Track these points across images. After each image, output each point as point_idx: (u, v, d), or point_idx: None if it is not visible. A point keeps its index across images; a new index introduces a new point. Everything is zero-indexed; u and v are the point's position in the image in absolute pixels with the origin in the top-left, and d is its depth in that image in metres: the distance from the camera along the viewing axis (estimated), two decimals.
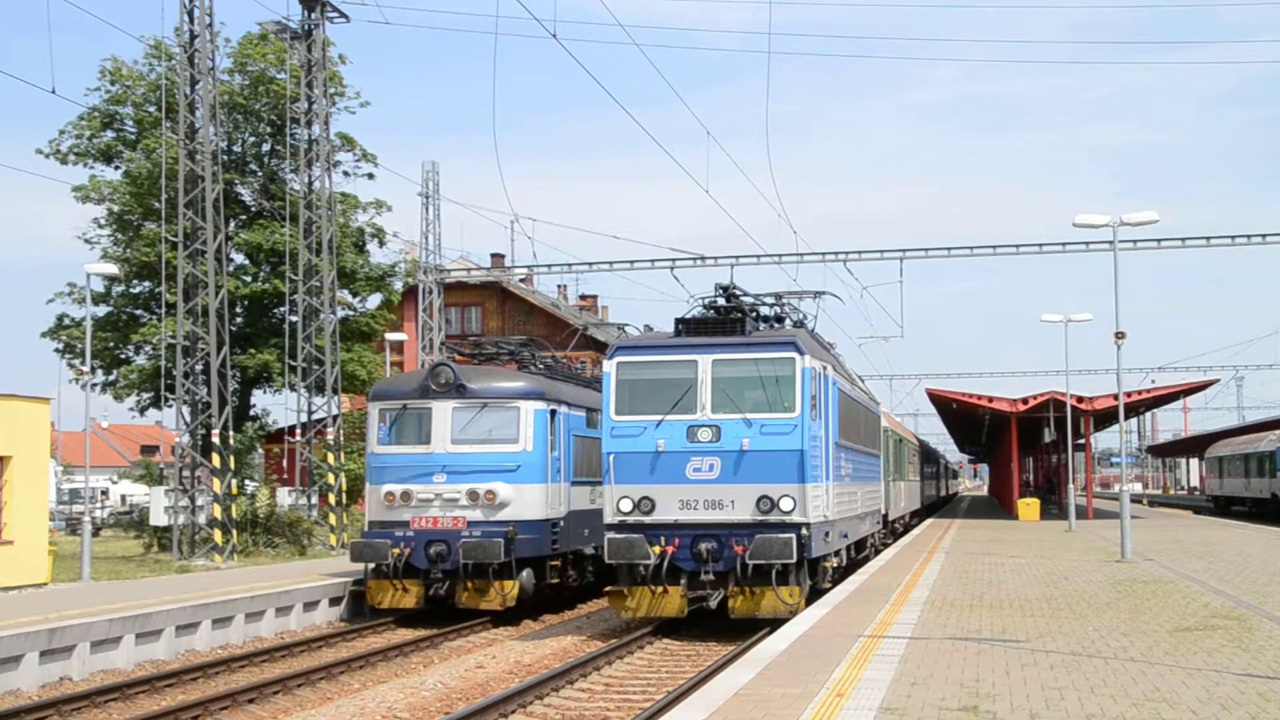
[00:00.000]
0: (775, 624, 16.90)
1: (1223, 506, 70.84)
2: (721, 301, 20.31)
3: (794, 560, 17.91)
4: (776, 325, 21.38)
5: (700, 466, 18.45)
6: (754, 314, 20.76)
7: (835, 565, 21.27)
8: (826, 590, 19.72)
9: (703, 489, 18.45)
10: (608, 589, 19.75)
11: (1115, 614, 16.43)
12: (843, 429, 22.03)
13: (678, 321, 19.90)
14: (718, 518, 18.40)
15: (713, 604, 18.60)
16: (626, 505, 18.58)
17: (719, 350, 18.89)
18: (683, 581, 18.47)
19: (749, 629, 18.46)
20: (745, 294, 21.09)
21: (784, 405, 18.55)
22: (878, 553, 29.20)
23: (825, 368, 20.13)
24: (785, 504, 18.18)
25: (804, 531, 18.18)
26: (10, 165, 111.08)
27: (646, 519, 18.52)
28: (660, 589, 18.32)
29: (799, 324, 22.43)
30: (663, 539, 18.29)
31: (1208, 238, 39.78)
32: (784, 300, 22.35)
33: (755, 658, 12.94)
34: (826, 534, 19.61)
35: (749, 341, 19.18)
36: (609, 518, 18.81)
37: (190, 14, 31.84)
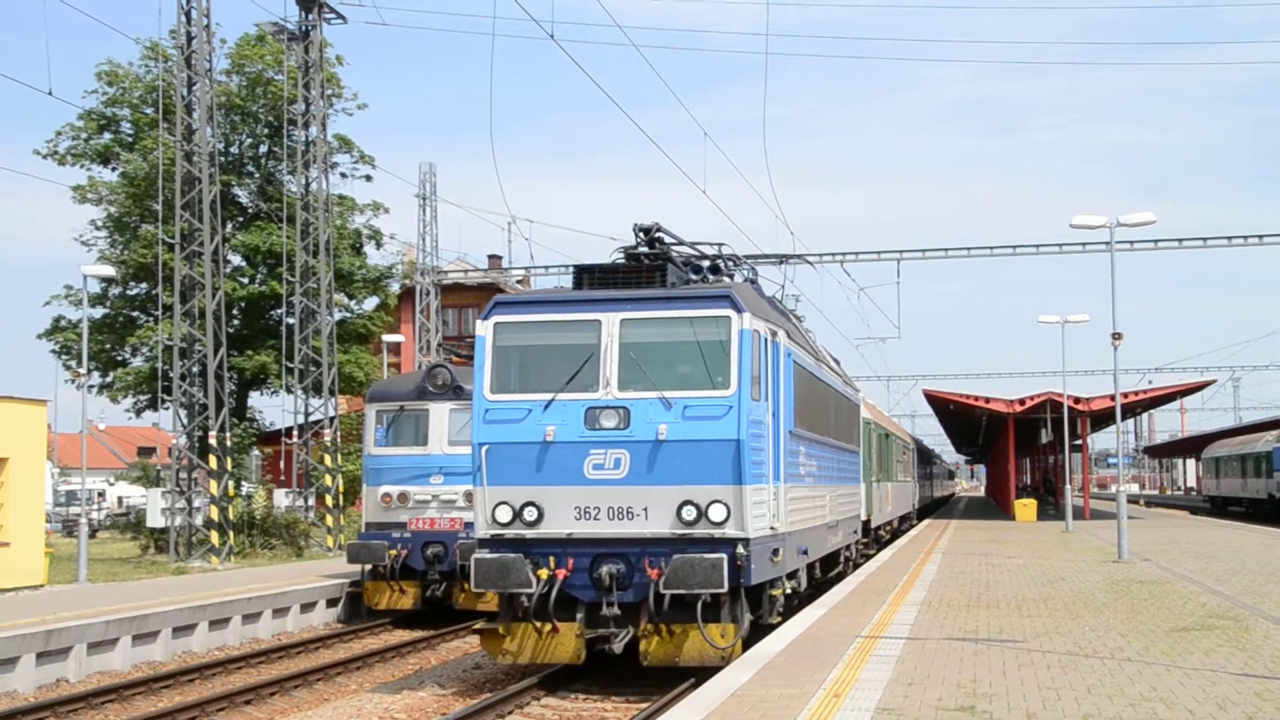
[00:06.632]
0: (702, 673, 13.39)
1: (1219, 507, 71.06)
2: (644, 249, 15.79)
3: (725, 589, 13.66)
4: (714, 279, 16.42)
5: (603, 462, 14.12)
6: (688, 266, 16.28)
7: (791, 590, 16.84)
8: (775, 625, 15.39)
9: (606, 492, 14.07)
10: (478, 626, 15.34)
11: (1112, 614, 16.38)
12: (801, 414, 17.43)
13: (578, 270, 15.65)
14: (626, 531, 14.04)
15: (617, 647, 14.18)
16: (504, 514, 14.20)
17: (630, 307, 14.46)
18: (579, 616, 14.17)
19: (669, 678, 14.53)
20: (679, 241, 16.50)
21: (715, 380, 14.15)
22: (856, 568, 25.23)
23: (775, 333, 15.52)
24: (716, 512, 13.87)
25: (740, 549, 13.83)
26: (8, 167, 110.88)
27: (530, 532, 14.15)
28: (548, 626, 14.06)
29: (751, 281, 18.41)
30: (552, 560, 14.03)
31: (1204, 238, 39.93)
32: (726, 250, 17.80)
33: (752, 658, 12.79)
34: (774, 552, 15.17)
35: (670, 295, 14.65)
36: (480, 530, 14.45)
37: (187, 15, 32.00)
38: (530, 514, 14.17)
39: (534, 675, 15.04)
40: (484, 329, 14.76)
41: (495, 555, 14.09)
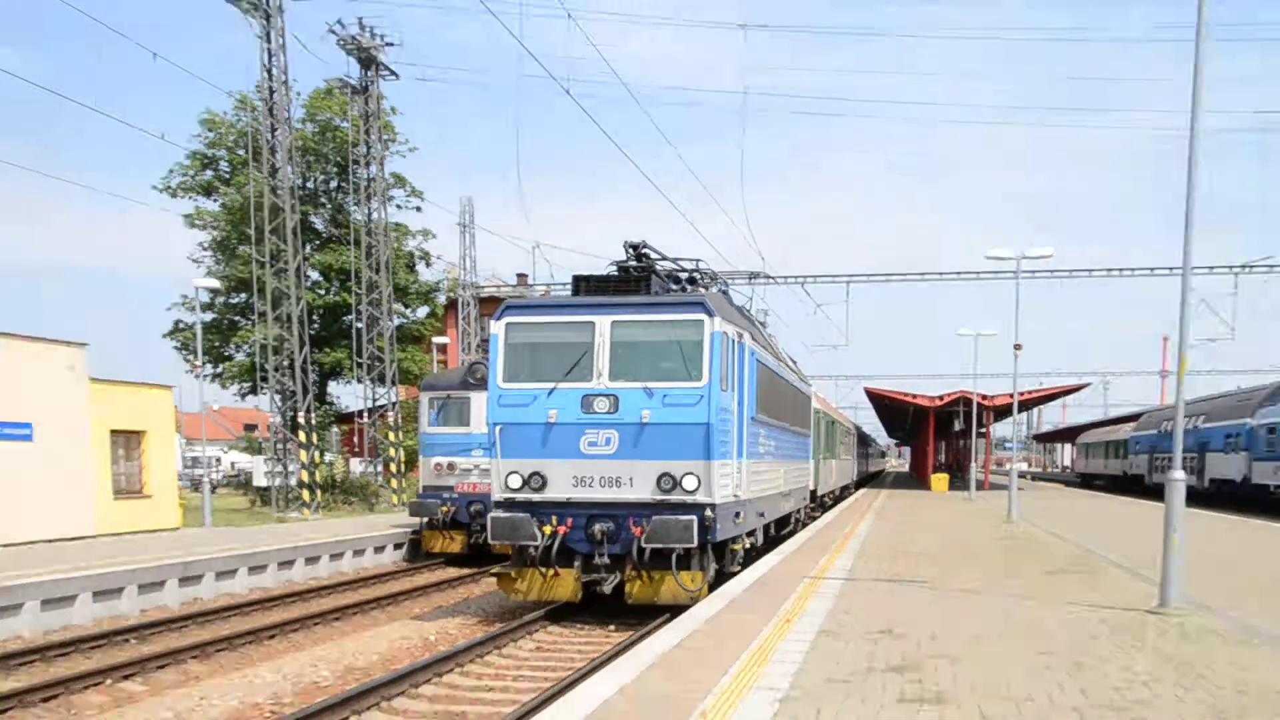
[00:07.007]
0: (676, 610, 13.30)
1: (1087, 481, 71.60)
2: (633, 263, 15.16)
3: (696, 544, 13.46)
4: (691, 289, 15.90)
5: (596, 440, 13.66)
6: (671, 278, 15.70)
7: (749, 546, 16.36)
8: (736, 573, 15.01)
9: (598, 464, 13.68)
10: (495, 570, 15.21)
11: (999, 561, 16.56)
12: (762, 403, 16.76)
13: (576, 279, 14.79)
14: (614, 496, 13.70)
15: (607, 588, 14.00)
16: (515, 481, 13.87)
17: (619, 310, 13.88)
18: (576, 564, 14.01)
19: (649, 614, 14.39)
20: (663, 256, 15.72)
21: (690, 373, 13.57)
22: (804, 526, 24.76)
23: (741, 335, 14.93)
24: (689, 482, 13.53)
25: (708, 513, 13.56)
26: (131, 198, 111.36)
27: (536, 496, 13.84)
28: (551, 572, 13.99)
29: (723, 292, 17.46)
30: (554, 519, 13.81)
31: (1090, 270, 41.45)
32: (701, 266, 16.76)
33: (725, 593, 12.74)
34: (736, 514, 14.79)
35: (653, 302, 14.07)
36: (496, 494, 14.09)
37: (269, 72, 31.80)
38: (536, 482, 13.84)
39: (542, 609, 14.96)
40: (497, 328, 14.25)
41: (508, 515, 13.86)
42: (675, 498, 13.57)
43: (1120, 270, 41.38)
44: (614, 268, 15.24)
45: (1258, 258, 42.34)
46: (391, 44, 37.15)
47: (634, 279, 14.55)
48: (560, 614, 15.15)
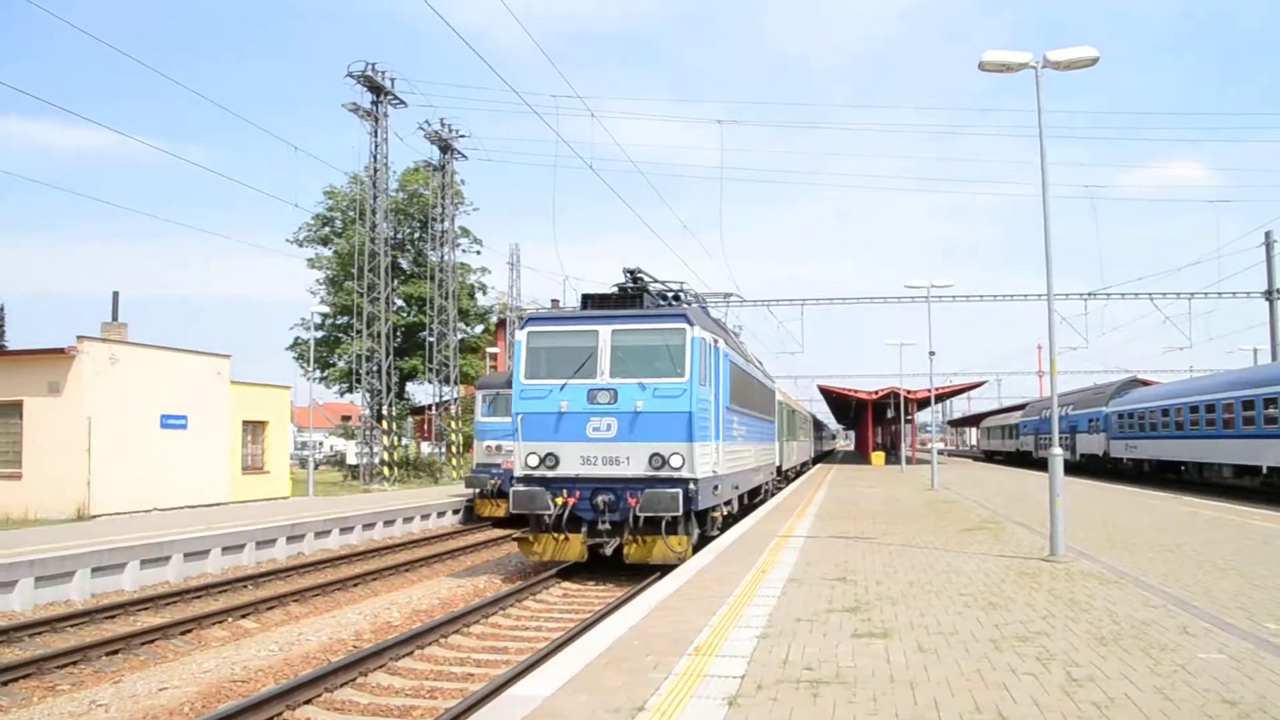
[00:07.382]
0: (666, 568, 12.52)
1: (989, 456, 71.01)
2: (630, 284, 14.35)
3: (681, 513, 12.48)
4: (676, 305, 14.99)
5: (599, 426, 12.72)
6: (661, 296, 14.86)
7: (725, 514, 15.32)
8: (714, 537, 13.97)
9: (601, 446, 12.73)
10: (515, 535, 13.96)
11: (926, 521, 16.30)
12: (735, 395, 15.76)
13: (584, 297, 13.98)
14: (614, 473, 12.72)
15: (608, 551, 13.07)
16: (533, 460, 12.87)
17: (618, 321, 13.05)
18: (583, 529, 12.94)
19: (643, 571, 13.56)
20: (654, 280, 14.90)
21: (675, 371, 12.72)
22: (771, 496, 23.61)
23: (716, 340, 13.96)
24: (675, 461, 12.56)
25: (691, 486, 12.58)
26: (269, 248, 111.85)
27: (551, 473, 12.82)
28: (562, 536, 12.92)
29: (702, 307, 16.50)
30: (565, 491, 12.81)
31: (980, 295, 41.36)
32: (685, 287, 15.93)
33: (713, 549, 12.35)
34: (715, 487, 13.62)
35: (645, 313, 13.29)
36: (518, 471, 13.03)
37: (374, 157, 32.73)
38: (551, 461, 12.84)
39: (555, 568, 14.10)
40: (521, 335, 13.30)
41: (527, 488, 12.84)
42: (664, 473, 12.60)
43: (1005, 296, 41.90)
44: (615, 287, 14.42)
45: (1098, 288, 42.84)
46: (463, 136, 37.82)
47: (630, 296, 13.71)
48: (570, 572, 14.36)
